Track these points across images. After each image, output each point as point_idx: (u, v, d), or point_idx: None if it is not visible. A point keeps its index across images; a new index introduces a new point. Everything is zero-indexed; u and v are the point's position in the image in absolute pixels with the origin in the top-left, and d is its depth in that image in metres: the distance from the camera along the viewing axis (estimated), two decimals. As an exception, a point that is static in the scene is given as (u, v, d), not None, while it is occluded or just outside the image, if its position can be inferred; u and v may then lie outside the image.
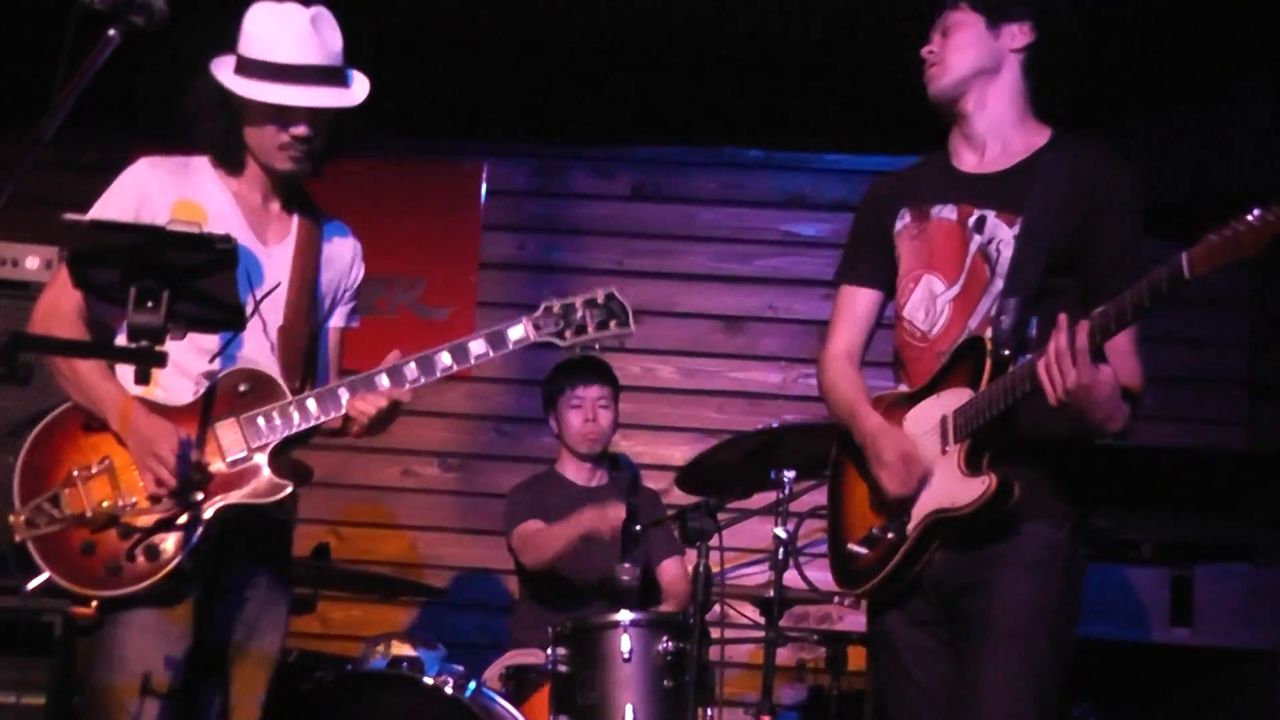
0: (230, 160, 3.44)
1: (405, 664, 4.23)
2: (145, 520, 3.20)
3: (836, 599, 5.14)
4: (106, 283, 2.48)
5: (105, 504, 3.22)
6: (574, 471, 5.27)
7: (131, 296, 2.44)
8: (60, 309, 3.28)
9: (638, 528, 4.18)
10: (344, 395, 3.34)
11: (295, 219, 3.53)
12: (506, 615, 5.52)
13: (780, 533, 4.45)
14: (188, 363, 3.31)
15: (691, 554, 4.83)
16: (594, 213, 6.20)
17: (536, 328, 3.42)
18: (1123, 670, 4.43)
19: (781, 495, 4.57)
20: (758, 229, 6.16)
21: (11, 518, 3.24)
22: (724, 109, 5.90)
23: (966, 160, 3.24)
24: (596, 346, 3.49)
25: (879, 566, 3.15)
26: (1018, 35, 3.18)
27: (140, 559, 3.21)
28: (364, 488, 6.03)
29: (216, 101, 3.36)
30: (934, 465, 3.07)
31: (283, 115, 3.34)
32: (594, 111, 5.97)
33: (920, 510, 3.07)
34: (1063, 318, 2.79)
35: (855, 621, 5.33)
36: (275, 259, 3.46)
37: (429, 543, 6.01)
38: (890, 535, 3.12)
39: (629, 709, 4.13)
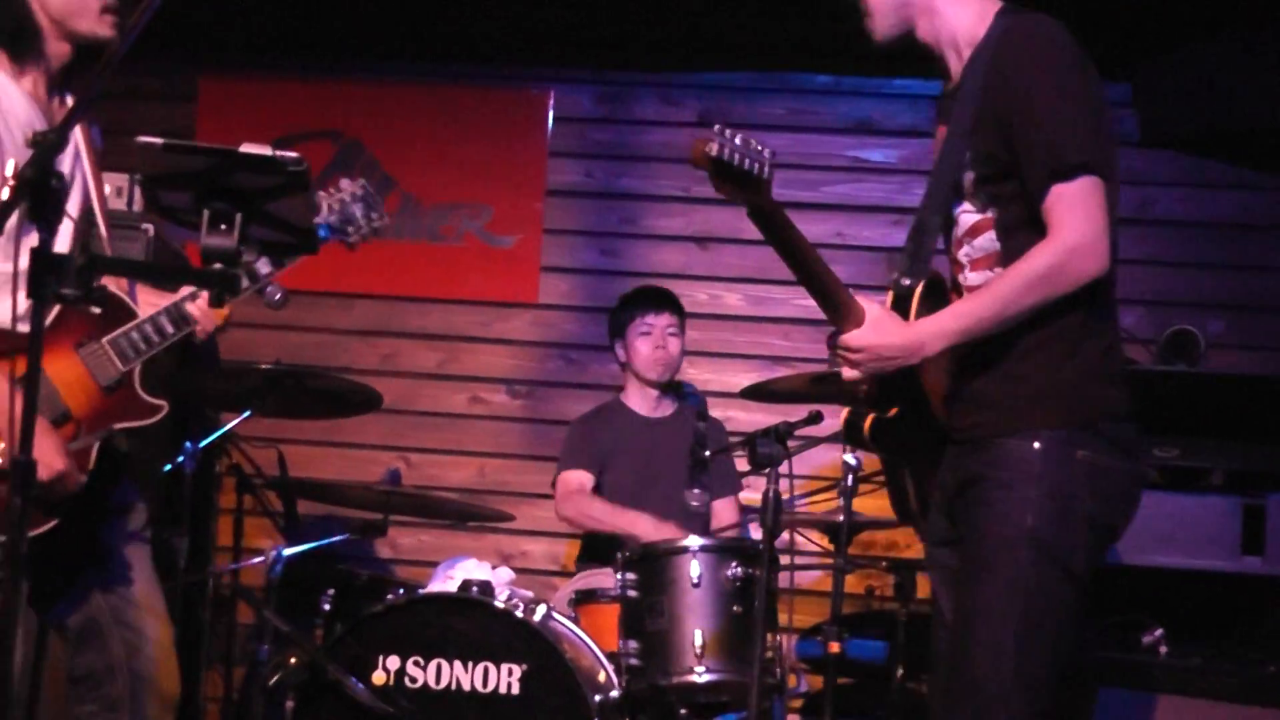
0: (24, 47, 3.12)
1: (475, 588, 4.27)
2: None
3: None
4: (179, 206, 2.49)
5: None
6: (638, 401, 5.28)
7: (204, 219, 2.44)
8: None
9: (706, 454, 4.17)
10: (192, 310, 3.18)
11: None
12: (574, 541, 5.56)
13: (849, 459, 4.45)
14: None
15: (747, 492, 4.87)
16: (660, 139, 6.15)
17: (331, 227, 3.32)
18: (1193, 598, 4.41)
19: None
20: (825, 155, 6.08)
21: None
22: (791, 33, 5.83)
23: (953, 78, 3.06)
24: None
25: None
26: None
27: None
28: (432, 414, 6.06)
29: None
30: None
31: None
32: (660, 37, 5.92)
33: None
34: None
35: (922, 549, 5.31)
36: (67, 156, 3.14)
37: (496, 469, 6.04)
38: None
39: (697, 634, 4.15)
